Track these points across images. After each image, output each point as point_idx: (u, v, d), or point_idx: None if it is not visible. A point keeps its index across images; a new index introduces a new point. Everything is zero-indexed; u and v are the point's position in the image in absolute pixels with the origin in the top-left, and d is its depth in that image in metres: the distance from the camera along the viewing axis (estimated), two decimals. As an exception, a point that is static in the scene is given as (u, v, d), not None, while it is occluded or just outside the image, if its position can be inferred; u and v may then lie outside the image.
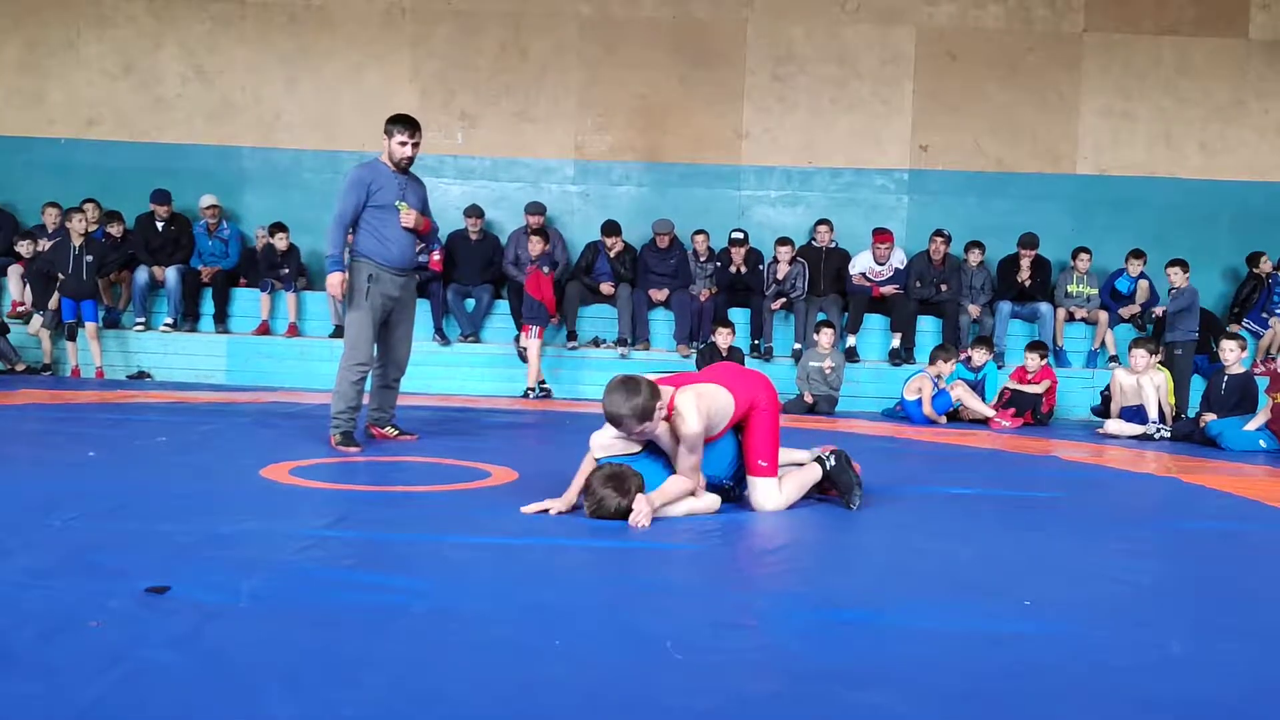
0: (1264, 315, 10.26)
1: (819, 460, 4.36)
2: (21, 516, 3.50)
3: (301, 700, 1.98)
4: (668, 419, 3.87)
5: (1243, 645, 2.58)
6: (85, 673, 2.06)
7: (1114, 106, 10.88)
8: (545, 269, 9.15)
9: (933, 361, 8.73)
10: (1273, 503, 4.93)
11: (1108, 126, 10.90)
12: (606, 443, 3.99)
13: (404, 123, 5.65)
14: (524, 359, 9.36)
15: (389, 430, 6.02)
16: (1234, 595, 3.17)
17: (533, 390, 9.24)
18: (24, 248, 9.93)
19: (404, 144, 5.63)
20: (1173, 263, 9.47)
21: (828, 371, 8.96)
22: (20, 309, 9.93)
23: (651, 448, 4.04)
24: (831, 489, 4.36)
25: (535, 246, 9.31)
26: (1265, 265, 10.32)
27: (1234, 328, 10.00)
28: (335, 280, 5.59)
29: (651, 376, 3.94)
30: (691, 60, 10.90)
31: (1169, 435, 7.91)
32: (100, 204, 10.43)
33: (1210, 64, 10.82)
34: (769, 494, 4.15)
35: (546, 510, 3.90)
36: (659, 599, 2.84)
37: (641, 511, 3.73)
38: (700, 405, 3.88)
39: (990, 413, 8.47)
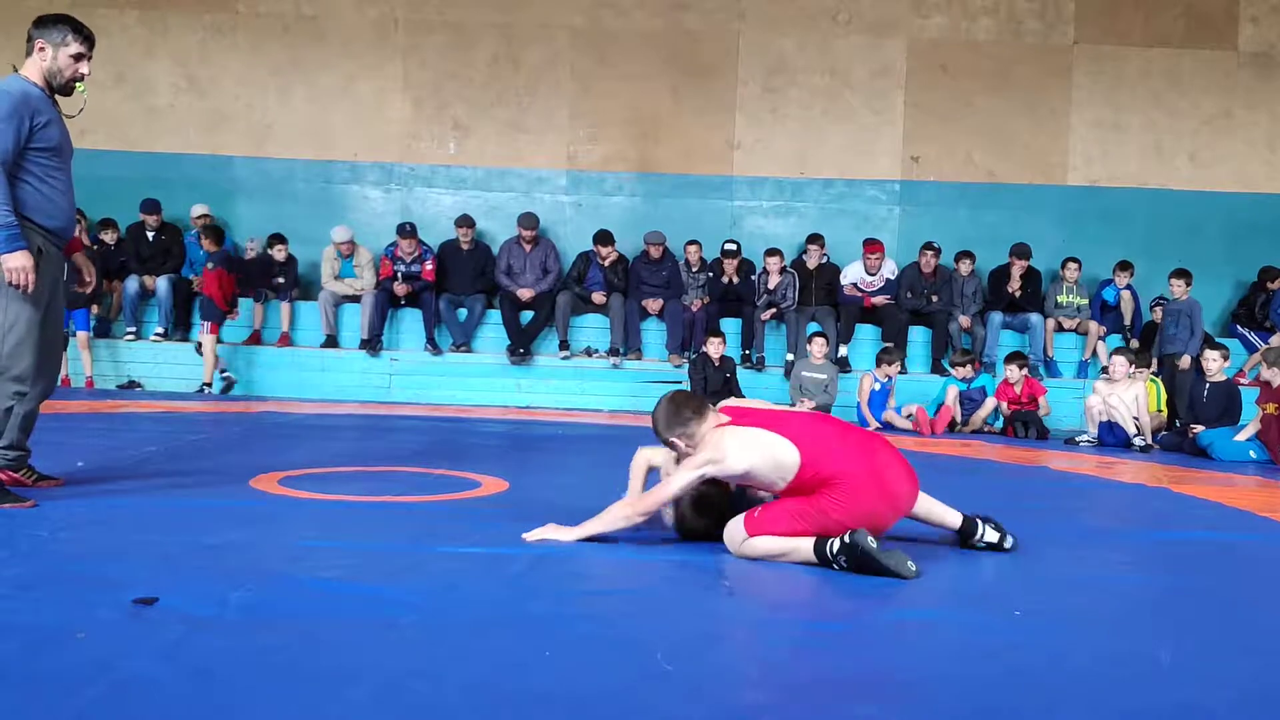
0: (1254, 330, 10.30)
1: (821, 555, 3.32)
2: (8, 527, 3.48)
3: (289, 712, 1.97)
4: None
5: (1232, 655, 2.59)
6: (72, 684, 2.05)
7: (1104, 118, 10.94)
8: (210, 265, 9.62)
9: (879, 365, 8.91)
10: (1262, 513, 4.95)
11: (1098, 138, 10.95)
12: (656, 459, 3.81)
13: (76, 27, 4.13)
14: (200, 354, 9.70)
15: (25, 474, 4.07)
16: (1223, 605, 3.17)
17: (208, 386, 9.47)
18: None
19: (81, 57, 4.19)
20: (1174, 274, 9.42)
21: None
22: None
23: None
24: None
25: (207, 246, 9.76)
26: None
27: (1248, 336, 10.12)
28: (23, 262, 3.80)
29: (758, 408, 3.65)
30: (683, 71, 10.94)
31: (1151, 445, 7.88)
32: (86, 214, 10.38)
33: (1200, 76, 10.89)
34: (735, 540, 3.45)
35: (550, 539, 3.52)
36: (649, 609, 2.83)
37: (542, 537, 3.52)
38: (734, 448, 3.35)
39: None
